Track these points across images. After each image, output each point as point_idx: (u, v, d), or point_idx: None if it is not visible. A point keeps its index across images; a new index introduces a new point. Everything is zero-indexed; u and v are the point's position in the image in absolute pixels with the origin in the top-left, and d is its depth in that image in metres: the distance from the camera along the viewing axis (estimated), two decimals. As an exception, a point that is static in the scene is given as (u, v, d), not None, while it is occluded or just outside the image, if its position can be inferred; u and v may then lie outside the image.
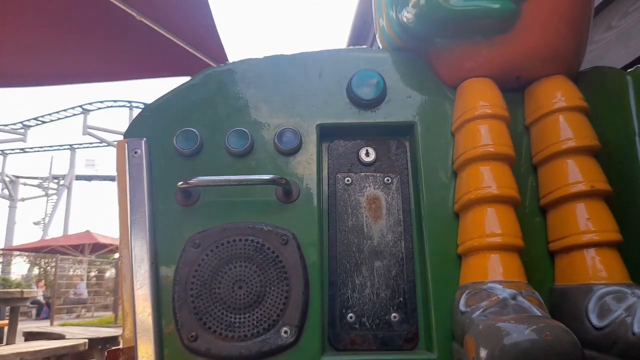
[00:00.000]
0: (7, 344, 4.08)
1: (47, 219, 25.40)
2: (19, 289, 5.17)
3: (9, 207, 23.66)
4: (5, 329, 4.48)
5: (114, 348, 0.86)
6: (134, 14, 3.20)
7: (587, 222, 0.82)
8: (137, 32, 3.43)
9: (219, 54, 3.75)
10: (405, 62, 1.01)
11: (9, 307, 4.55)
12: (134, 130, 0.96)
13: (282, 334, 0.84)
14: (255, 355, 0.83)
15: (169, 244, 0.90)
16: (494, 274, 0.80)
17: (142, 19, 3.27)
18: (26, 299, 4.55)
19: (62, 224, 24.18)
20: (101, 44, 3.77)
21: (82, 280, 14.87)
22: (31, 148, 23.45)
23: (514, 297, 0.73)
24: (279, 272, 0.87)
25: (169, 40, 3.58)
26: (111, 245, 16.06)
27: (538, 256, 0.90)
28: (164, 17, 3.44)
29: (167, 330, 0.86)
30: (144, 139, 0.94)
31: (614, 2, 1.43)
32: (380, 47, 1.11)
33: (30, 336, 4.93)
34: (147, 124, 0.97)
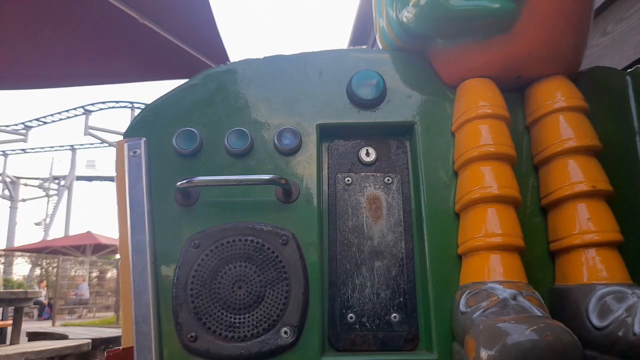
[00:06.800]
0: (11, 344, 4.08)
1: (48, 220, 25.45)
2: (22, 289, 5.17)
3: (9, 207, 23.71)
4: (9, 329, 4.48)
5: (113, 349, 0.86)
6: (136, 17, 3.20)
7: (588, 222, 0.82)
8: (141, 34, 3.43)
9: (220, 56, 3.76)
10: (405, 62, 1.01)
11: (12, 307, 4.54)
12: (134, 130, 0.96)
13: (282, 334, 0.84)
14: (255, 355, 0.83)
15: (169, 244, 0.90)
16: (494, 274, 0.79)
17: (146, 22, 3.27)
18: (30, 299, 4.54)
19: (63, 225, 24.24)
20: (104, 46, 3.78)
21: (83, 280, 14.89)
22: (32, 149, 23.51)
23: (514, 297, 0.73)
24: (278, 272, 0.87)
25: (172, 43, 3.58)
26: (112, 245, 16.09)
27: (539, 256, 0.90)
28: (167, 20, 3.44)
29: (167, 330, 0.86)
30: (144, 138, 0.94)
31: (609, 8, 1.45)
32: (381, 47, 1.11)
33: (33, 336, 4.93)
34: (147, 124, 0.97)
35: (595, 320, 0.74)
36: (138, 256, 0.87)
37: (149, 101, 1.03)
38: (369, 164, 1.00)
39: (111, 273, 16.81)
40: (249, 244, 0.88)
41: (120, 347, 0.84)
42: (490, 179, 0.85)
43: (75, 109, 19.85)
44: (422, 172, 0.93)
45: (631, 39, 1.34)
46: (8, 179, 23.41)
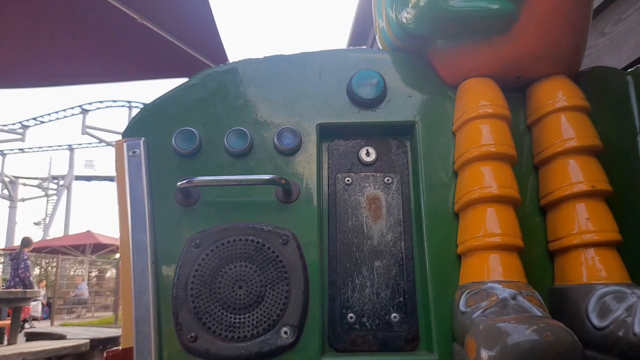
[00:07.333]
0: (9, 344, 4.08)
1: (47, 220, 25.42)
2: (21, 289, 5.16)
3: (9, 207, 23.67)
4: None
5: (113, 349, 0.85)
6: (136, 16, 3.20)
7: (587, 222, 0.82)
8: (140, 34, 3.43)
9: (220, 56, 3.76)
10: (405, 62, 1.01)
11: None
12: (133, 129, 0.96)
13: (282, 334, 0.84)
14: (255, 355, 0.83)
15: (169, 243, 0.90)
16: (494, 274, 0.80)
17: (145, 22, 3.27)
18: (29, 299, 4.55)
19: (62, 224, 24.22)
20: (103, 45, 3.78)
21: (83, 280, 14.87)
22: (30, 148, 23.48)
23: (513, 297, 0.73)
24: (279, 272, 0.87)
25: (171, 43, 3.58)
26: (112, 245, 16.07)
27: (538, 256, 0.90)
28: (166, 20, 3.44)
29: (167, 330, 0.85)
30: (143, 138, 0.94)
31: (607, 9, 1.46)
32: (380, 48, 1.11)
33: (31, 336, 4.93)
34: (146, 123, 0.97)
35: (595, 320, 0.74)
36: (139, 256, 0.87)
37: (146, 100, 1.04)
38: (369, 164, 1.00)
39: (110, 273, 16.80)
40: (249, 243, 0.88)
41: (120, 348, 0.84)
42: (490, 179, 0.85)
43: (72, 108, 19.83)
44: (422, 172, 0.93)
45: (629, 40, 1.35)
46: (7, 179, 23.36)
